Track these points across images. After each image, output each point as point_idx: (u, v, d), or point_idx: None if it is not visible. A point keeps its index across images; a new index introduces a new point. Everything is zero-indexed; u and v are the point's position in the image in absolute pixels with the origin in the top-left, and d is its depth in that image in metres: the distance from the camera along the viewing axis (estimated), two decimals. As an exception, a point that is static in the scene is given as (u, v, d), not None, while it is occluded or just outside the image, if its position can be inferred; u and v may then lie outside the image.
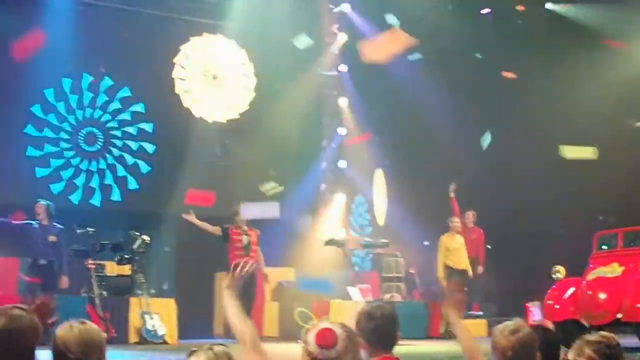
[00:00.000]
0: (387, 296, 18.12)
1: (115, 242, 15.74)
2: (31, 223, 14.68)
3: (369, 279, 18.47)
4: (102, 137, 18.87)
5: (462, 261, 17.23)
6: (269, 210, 15.09)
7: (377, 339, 4.64)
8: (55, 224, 14.75)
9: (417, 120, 19.85)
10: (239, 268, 4.45)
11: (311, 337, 3.58)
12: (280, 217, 18.66)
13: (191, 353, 3.45)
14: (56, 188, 17.90)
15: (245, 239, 15.42)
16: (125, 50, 18.68)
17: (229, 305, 4.29)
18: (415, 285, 19.23)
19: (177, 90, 19.13)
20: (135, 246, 15.43)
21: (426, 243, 18.21)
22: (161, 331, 14.76)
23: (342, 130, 21.16)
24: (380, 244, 18.98)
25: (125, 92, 19.10)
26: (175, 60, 19.24)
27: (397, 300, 17.58)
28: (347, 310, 15.92)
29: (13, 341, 3.38)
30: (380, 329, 4.69)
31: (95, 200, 18.37)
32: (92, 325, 3.69)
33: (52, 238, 14.49)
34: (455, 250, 17.16)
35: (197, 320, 16.87)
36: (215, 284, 18.27)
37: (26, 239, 14.62)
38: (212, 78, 19.85)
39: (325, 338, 3.55)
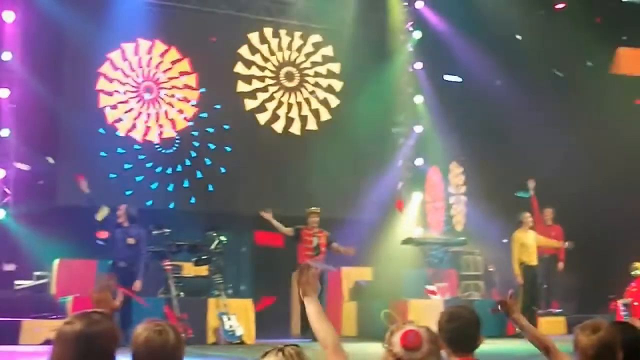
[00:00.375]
0: (466, 294, 17.98)
1: (192, 243, 15.83)
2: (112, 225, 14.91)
3: (447, 278, 18.31)
4: (179, 141, 19.04)
5: (534, 257, 17.02)
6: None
7: (459, 340, 4.62)
8: (135, 226, 14.92)
9: (493, 116, 19.63)
10: (308, 269, 4.39)
11: (396, 339, 3.55)
12: (358, 216, 18.83)
13: (264, 355, 3.42)
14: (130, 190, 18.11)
15: (315, 240, 15.77)
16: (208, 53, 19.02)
17: (309, 309, 4.24)
18: (494, 283, 19.00)
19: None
20: (212, 247, 15.53)
21: (505, 240, 17.97)
22: (239, 332, 14.81)
23: (418, 128, 21.02)
24: (458, 241, 18.86)
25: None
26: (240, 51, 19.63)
27: (475, 299, 17.44)
28: (425, 310, 15.83)
29: (92, 346, 3.34)
30: (463, 330, 4.65)
31: (171, 202, 18.51)
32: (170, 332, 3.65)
33: (131, 240, 14.67)
34: (530, 246, 16.95)
35: (274, 320, 16.89)
36: (292, 283, 18.31)
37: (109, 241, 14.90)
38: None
39: (411, 340, 3.52)
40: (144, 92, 19.15)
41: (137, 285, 14.39)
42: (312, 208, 16.44)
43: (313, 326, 4.13)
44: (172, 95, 19.35)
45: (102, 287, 4.80)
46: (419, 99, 21.17)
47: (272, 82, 20.27)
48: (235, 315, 14.93)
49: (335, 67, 20.88)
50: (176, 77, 19.37)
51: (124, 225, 14.83)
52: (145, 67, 19.18)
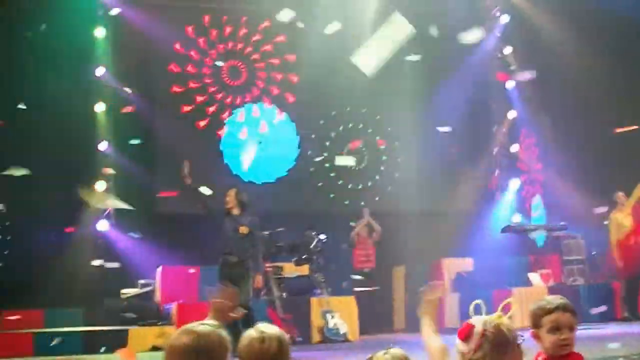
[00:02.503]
0: (570, 280, 17.75)
1: (292, 243, 15.90)
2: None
3: (549, 264, 18.10)
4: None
5: None
6: None
7: None
8: (247, 213, 13.09)
9: (587, 98, 19.30)
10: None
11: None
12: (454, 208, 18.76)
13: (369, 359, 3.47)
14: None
15: None
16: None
17: (423, 327, 4.28)
18: (598, 267, 18.71)
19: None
20: (312, 246, 15.58)
21: (607, 222, 17.68)
22: (343, 329, 14.84)
23: (511, 114, 20.81)
24: (558, 226, 18.59)
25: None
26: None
27: (580, 284, 17.22)
28: (528, 297, 15.67)
29: (200, 358, 3.35)
30: None
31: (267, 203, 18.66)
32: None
33: (243, 229, 12.84)
34: (626, 227, 16.61)
35: (377, 316, 16.91)
36: (393, 278, 18.35)
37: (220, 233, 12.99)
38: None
39: (463, 332, 3.59)
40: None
41: (259, 281, 12.90)
42: None
43: (424, 339, 4.19)
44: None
45: (224, 298, 4.58)
46: (510, 84, 20.94)
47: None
48: (339, 313, 14.97)
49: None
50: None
51: (234, 213, 12.94)
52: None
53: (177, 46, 18.99)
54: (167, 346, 3.46)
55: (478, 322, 3.59)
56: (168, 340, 3.50)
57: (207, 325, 3.51)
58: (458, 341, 3.57)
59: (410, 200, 19.33)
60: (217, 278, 12.46)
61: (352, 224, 18.07)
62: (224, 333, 3.53)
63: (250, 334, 3.62)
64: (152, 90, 18.61)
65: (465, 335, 3.54)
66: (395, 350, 3.52)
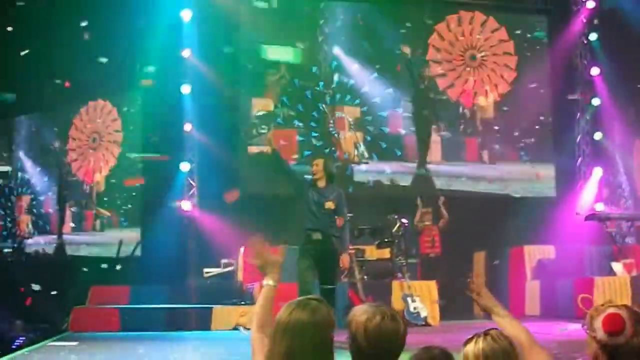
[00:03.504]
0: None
1: (374, 226, 15.94)
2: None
3: (632, 253, 17.90)
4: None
5: None
6: None
7: None
8: (333, 186, 11.55)
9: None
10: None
11: (598, 324, 3.42)
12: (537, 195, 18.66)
13: (466, 342, 3.45)
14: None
15: None
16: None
17: (499, 323, 4.22)
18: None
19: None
20: (394, 230, 15.61)
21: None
22: (423, 313, 14.86)
23: (595, 101, 20.59)
24: (641, 215, 18.42)
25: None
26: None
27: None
28: (611, 287, 15.55)
29: (316, 333, 3.45)
30: None
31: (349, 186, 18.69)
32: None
33: (330, 204, 11.28)
34: None
35: (457, 300, 16.90)
36: (474, 263, 18.32)
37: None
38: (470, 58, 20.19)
39: (613, 324, 3.39)
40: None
41: (345, 260, 11.57)
42: None
43: (505, 329, 3.96)
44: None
45: (259, 248, 4.43)
46: (594, 71, 20.72)
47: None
48: (419, 297, 14.99)
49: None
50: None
51: (320, 185, 11.43)
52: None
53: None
54: (279, 321, 3.52)
55: (620, 310, 3.51)
56: (280, 314, 3.56)
57: (315, 300, 3.59)
58: (602, 334, 3.46)
59: (492, 185, 19.38)
60: (299, 257, 11.10)
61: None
62: (332, 310, 3.60)
63: (371, 310, 3.60)
64: (239, 73, 18.78)
65: (617, 327, 3.43)
66: (495, 332, 3.45)
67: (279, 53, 19.18)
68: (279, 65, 19.13)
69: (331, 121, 18.95)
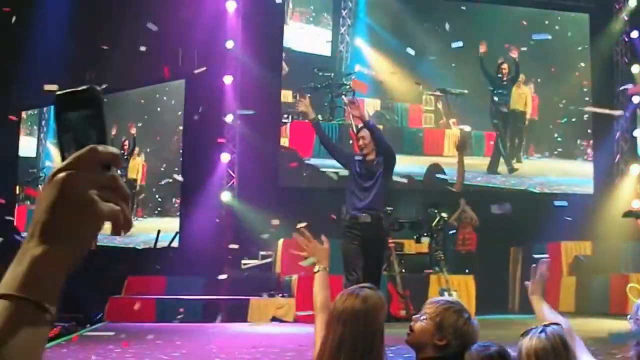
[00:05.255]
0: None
1: (413, 220, 15.99)
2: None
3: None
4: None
5: None
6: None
7: None
8: (382, 159, 9.72)
9: None
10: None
11: None
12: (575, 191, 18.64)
13: (524, 333, 3.50)
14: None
15: None
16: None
17: (537, 308, 4.30)
18: None
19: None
20: (433, 224, 15.65)
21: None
22: (460, 307, 14.89)
23: (636, 99, 20.52)
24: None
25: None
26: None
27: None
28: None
29: (368, 321, 3.54)
30: None
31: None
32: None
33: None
34: None
35: (494, 295, 16.93)
36: (510, 259, 18.33)
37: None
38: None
39: None
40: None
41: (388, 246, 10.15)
42: None
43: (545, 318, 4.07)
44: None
45: (306, 238, 4.73)
46: (635, 69, 20.65)
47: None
48: (457, 291, 15.04)
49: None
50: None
51: (369, 157, 9.67)
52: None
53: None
54: (334, 308, 3.67)
55: None
56: (335, 302, 3.71)
57: (367, 288, 3.71)
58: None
59: (531, 180, 19.45)
60: (344, 241, 9.61)
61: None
62: (383, 298, 3.75)
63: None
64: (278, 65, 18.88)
65: None
66: (553, 330, 3.48)
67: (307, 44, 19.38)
68: (306, 55, 19.28)
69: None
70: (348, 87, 18.77)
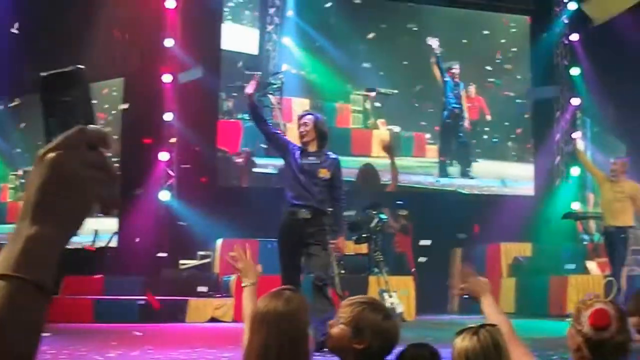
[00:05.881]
0: (629, 269, 17.63)
1: (352, 220, 15.89)
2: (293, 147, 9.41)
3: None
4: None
5: None
6: None
7: None
8: (327, 152, 9.42)
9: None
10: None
11: (584, 318, 3.43)
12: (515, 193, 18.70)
13: (458, 333, 3.42)
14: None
15: None
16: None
17: (483, 307, 4.24)
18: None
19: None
20: (372, 225, 15.58)
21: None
22: (399, 308, 14.86)
23: (575, 101, 20.66)
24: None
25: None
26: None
27: (637, 274, 17.10)
28: (585, 285, 15.65)
29: (292, 323, 3.47)
30: None
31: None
32: None
33: (323, 172, 9.12)
34: None
35: (434, 296, 16.94)
36: (450, 260, 18.37)
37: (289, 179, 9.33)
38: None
39: (600, 319, 3.40)
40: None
41: (341, 243, 9.58)
42: None
43: (489, 320, 3.94)
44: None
45: (242, 255, 4.71)
46: (575, 71, 20.81)
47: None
48: (396, 293, 15.01)
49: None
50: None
51: (311, 150, 9.23)
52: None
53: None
54: (256, 312, 3.57)
55: (606, 306, 3.52)
56: (257, 306, 3.62)
57: (288, 290, 3.63)
58: (588, 328, 3.46)
59: (472, 183, 19.53)
60: (280, 238, 9.19)
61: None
62: (304, 297, 3.69)
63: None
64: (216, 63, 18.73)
65: (604, 322, 3.44)
66: (485, 331, 3.37)
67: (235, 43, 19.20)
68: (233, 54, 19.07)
69: (278, 112, 18.72)
70: (276, 86, 18.62)
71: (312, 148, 9.17)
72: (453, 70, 20.20)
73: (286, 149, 9.32)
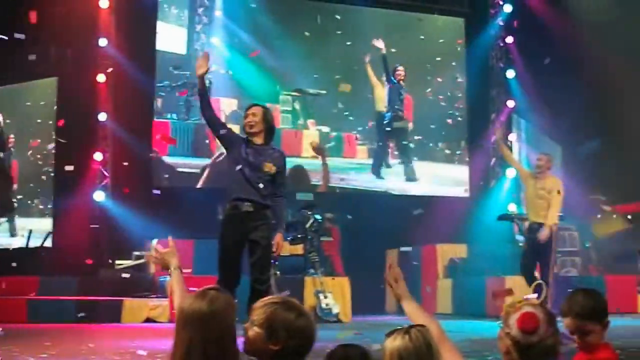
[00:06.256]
0: (563, 271, 17.84)
1: (288, 221, 15.83)
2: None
3: (543, 254, 18.18)
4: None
5: None
6: None
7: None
8: (273, 146, 9.09)
9: (592, 88, 19.17)
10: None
11: (513, 321, 3.48)
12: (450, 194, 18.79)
13: (389, 334, 3.41)
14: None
15: None
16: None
17: (406, 310, 4.21)
18: (591, 259, 18.78)
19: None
20: (307, 225, 15.56)
21: (599, 216, 17.70)
22: (335, 309, 14.89)
23: (510, 103, 20.82)
24: (554, 217, 18.63)
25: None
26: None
27: (572, 275, 17.29)
28: (520, 286, 15.73)
29: (216, 323, 3.43)
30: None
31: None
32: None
33: (268, 167, 8.71)
34: None
35: (369, 297, 16.96)
36: (387, 260, 18.39)
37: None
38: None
39: (528, 322, 3.44)
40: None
41: (279, 240, 8.94)
42: None
43: (413, 320, 3.99)
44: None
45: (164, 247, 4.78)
46: (510, 74, 20.97)
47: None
48: (332, 293, 15.01)
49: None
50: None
51: (257, 142, 8.81)
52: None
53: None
54: (180, 312, 3.52)
55: (535, 310, 3.53)
56: (180, 305, 3.56)
57: (213, 290, 3.56)
58: (517, 331, 3.47)
59: (406, 184, 19.59)
60: (222, 232, 8.72)
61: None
62: (230, 295, 3.59)
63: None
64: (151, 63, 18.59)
65: (532, 325, 3.45)
66: (416, 331, 3.38)
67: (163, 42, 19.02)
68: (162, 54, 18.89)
69: None
70: None
71: (259, 141, 8.79)
72: (398, 72, 20.23)
73: (231, 140, 8.97)
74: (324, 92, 19.70)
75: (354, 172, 19.91)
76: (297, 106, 19.63)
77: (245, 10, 19.34)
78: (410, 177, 20.18)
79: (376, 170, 20.02)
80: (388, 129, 20.18)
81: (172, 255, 4.68)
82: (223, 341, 3.42)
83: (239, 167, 8.61)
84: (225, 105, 18.68)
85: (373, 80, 20.23)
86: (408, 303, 4.16)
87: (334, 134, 19.93)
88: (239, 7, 19.39)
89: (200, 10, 19.17)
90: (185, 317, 3.46)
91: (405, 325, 3.42)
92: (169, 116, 18.42)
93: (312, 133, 19.58)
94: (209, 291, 3.54)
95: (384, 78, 20.24)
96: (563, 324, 4.04)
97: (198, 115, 17.84)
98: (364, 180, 19.94)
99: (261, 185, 8.62)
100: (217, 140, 9.69)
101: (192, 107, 18.30)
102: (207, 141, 18.29)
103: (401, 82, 20.28)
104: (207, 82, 9.93)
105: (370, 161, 20.18)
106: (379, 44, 20.16)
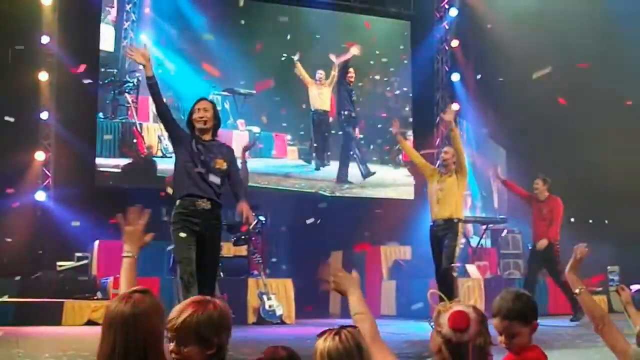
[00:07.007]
0: (506, 273, 17.96)
1: (231, 222, 15.73)
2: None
3: (487, 256, 18.28)
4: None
5: None
6: None
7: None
8: (222, 142, 9.16)
9: (532, 94, 19.32)
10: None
11: (444, 320, 3.48)
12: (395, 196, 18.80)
13: (320, 335, 3.39)
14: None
15: None
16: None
17: (350, 301, 4.16)
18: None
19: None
20: (251, 227, 15.48)
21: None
22: (279, 311, 14.84)
23: (455, 106, 20.91)
24: (497, 220, 18.78)
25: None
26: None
27: (516, 277, 17.40)
28: (465, 288, 15.83)
29: (139, 326, 3.38)
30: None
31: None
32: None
33: (220, 163, 8.74)
34: None
35: (313, 299, 16.93)
36: (331, 263, 18.36)
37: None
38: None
39: (459, 321, 3.45)
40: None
41: (246, 208, 8.75)
42: None
43: (353, 317, 3.94)
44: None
45: (134, 219, 4.62)
46: (455, 77, 21.08)
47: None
48: (275, 295, 14.97)
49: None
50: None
51: (205, 138, 8.80)
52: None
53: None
54: (105, 313, 3.48)
55: (466, 309, 3.52)
56: (107, 306, 3.52)
57: (139, 292, 3.52)
58: (449, 331, 3.47)
59: (350, 186, 19.59)
60: (177, 230, 8.53)
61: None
62: (156, 298, 3.54)
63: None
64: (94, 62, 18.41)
65: (463, 324, 3.45)
66: (347, 332, 3.35)
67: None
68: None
69: (134, 111, 18.42)
70: (132, 84, 18.37)
71: (207, 137, 8.76)
72: (349, 74, 20.26)
73: (182, 136, 8.87)
74: (254, 92, 19.56)
75: (295, 171, 19.88)
76: (226, 106, 19.46)
77: (175, 7, 19.10)
78: (367, 172, 20.23)
79: (341, 175, 20.09)
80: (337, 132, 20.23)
81: (138, 236, 4.64)
82: (145, 344, 3.37)
83: (190, 163, 8.57)
84: (153, 106, 18.51)
85: (306, 79, 20.14)
86: (353, 293, 4.05)
87: (263, 134, 19.82)
88: (168, 3, 19.16)
89: (128, 7, 18.95)
90: (109, 319, 3.42)
91: (336, 327, 3.39)
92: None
93: (241, 133, 19.44)
94: (134, 294, 3.49)
95: (330, 79, 20.24)
96: (492, 324, 4.05)
97: (125, 114, 17.82)
98: (281, 180, 19.92)
99: (214, 182, 8.60)
100: (168, 137, 9.82)
101: (120, 105, 18.18)
102: (134, 140, 18.16)
103: (351, 84, 20.30)
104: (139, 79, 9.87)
105: (302, 162, 20.21)
106: (355, 50, 20.29)
